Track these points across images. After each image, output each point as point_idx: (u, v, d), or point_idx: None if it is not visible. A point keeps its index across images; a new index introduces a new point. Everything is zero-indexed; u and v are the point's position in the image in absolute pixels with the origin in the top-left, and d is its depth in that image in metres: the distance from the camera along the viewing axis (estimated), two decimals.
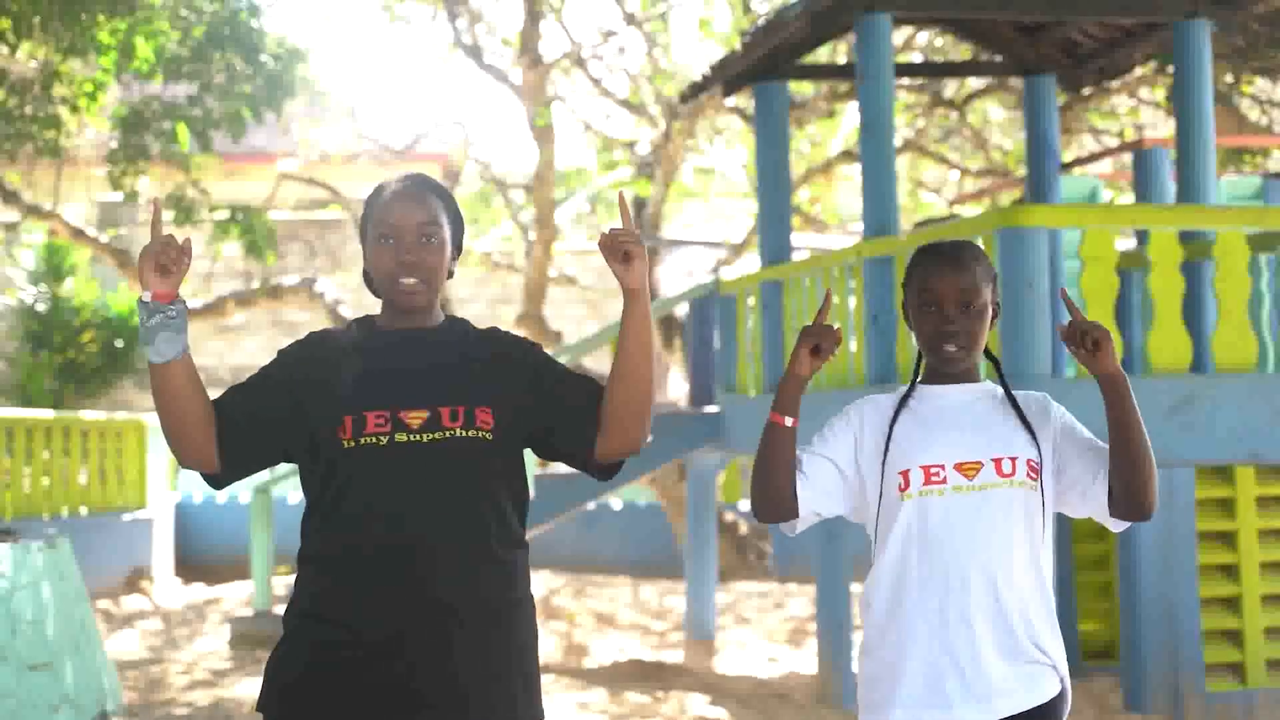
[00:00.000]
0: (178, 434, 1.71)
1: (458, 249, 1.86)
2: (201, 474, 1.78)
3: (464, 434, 1.73)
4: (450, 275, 1.85)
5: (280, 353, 1.85)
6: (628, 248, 1.71)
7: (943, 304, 1.82)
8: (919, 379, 1.89)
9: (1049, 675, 1.81)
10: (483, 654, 1.72)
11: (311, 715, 1.71)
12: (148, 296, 1.64)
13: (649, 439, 1.79)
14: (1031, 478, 1.82)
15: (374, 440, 1.71)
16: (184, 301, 1.68)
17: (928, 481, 1.81)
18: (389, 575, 1.70)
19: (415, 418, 1.72)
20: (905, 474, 1.82)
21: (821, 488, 1.84)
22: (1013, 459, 1.81)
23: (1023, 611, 1.80)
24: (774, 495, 1.81)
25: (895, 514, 1.82)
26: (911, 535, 1.81)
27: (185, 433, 1.71)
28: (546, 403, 1.79)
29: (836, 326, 1.84)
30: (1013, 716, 1.79)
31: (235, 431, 1.74)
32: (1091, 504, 1.84)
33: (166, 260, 1.63)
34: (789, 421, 1.80)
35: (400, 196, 1.80)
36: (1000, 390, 1.89)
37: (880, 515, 1.85)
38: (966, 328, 1.83)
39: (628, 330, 1.75)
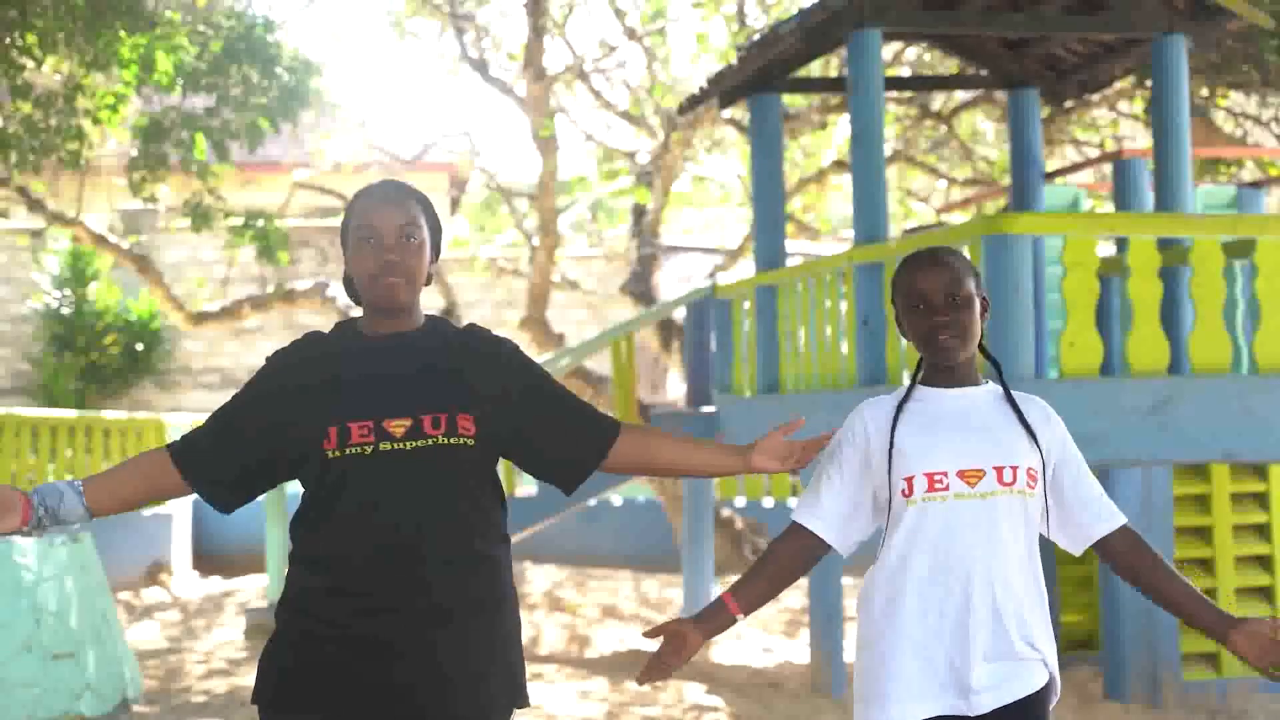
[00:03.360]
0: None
1: (436, 253, 1.86)
2: (209, 502, 1.84)
3: (446, 441, 1.74)
4: (429, 280, 1.86)
5: (266, 361, 1.87)
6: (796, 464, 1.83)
7: (929, 300, 1.85)
8: (917, 380, 1.90)
9: (1037, 668, 1.85)
10: (467, 649, 1.74)
11: (300, 707, 1.74)
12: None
13: None
14: (1030, 485, 1.84)
15: (359, 450, 1.73)
16: (42, 509, 1.73)
17: (931, 488, 1.82)
18: (376, 578, 1.72)
19: (398, 426, 1.73)
20: (910, 480, 1.83)
21: (854, 527, 1.90)
22: (1014, 467, 1.84)
23: (1018, 612, 1.83)
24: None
25: (899, 517, 1.85)
26: (913, 539, 1.84)
27: (152, 500, 1.85)
28: (540, 428, 1.82)
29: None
30: (1002, 708, 1.83)
31: (216, 467, 1.79)
32: (1058, 536, 1.91)
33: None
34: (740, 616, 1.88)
35: (380, 200, 1.80)
36: (1000, 392, 1.90)
37: (890, 518, 1.87)
38: (956, 318, 1.84)
39: (718, 469, 1.87)
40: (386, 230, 1.78)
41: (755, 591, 1.90)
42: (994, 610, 1.83)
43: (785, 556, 1.91)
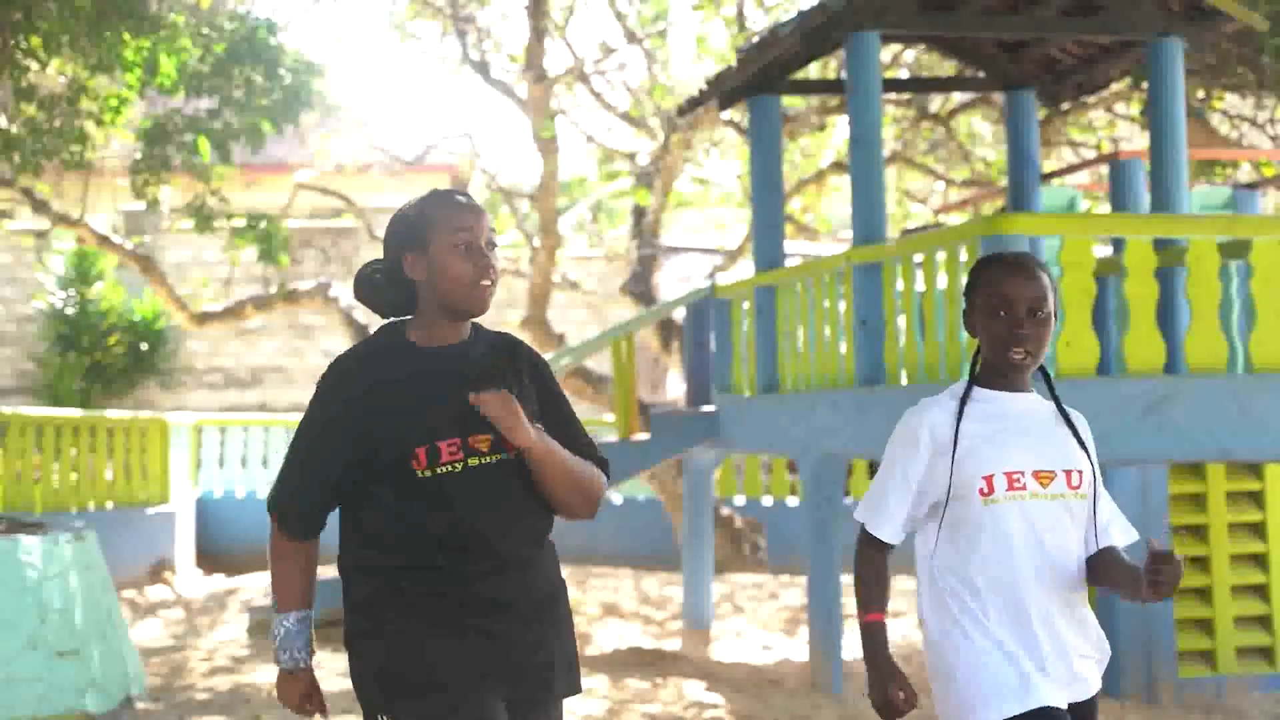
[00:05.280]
0: None
1: None
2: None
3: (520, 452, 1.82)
4: None
5: (322, 395, 1.86)
6: (495, 420, 1.78)
7: (1015, 309, 1.85)
8: (974, 380, 1.92)
9: (1095, 669, 1.91)
10: (557, 634, 1.87)
11: (428, 688, 1.77)
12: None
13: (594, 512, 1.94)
14: (1088, 490, 1.89)
15: (450, 468, 1.79)
16: (305, 654, 1.89)
17: (1011, 487, 1.84)
18: (489, 578, 1.80)
19: (483, 441, 1.81)
20: (989, 479, 1.84)
21: (906, 510, 1.92)
22: (1079, 472, 1.88)
23: (1084, 612, 1.88)
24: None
25: (975, 516, 1.86)
26: (995, 537, 1.85)
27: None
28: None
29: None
30: (1076, 705, 1.87)
31: (319, 508, 1.86)
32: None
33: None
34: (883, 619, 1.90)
35: (467, 209, 1.85)
36: (1048, 400, 1.93)
37: (950, 515, 1.88)
38: (1035, 334, 1.85)
39: (535, 475, 1.83)
40: (479, 238, 1.84)
41: (887, 597, 1.95)
42: (1073, 610, 1.86)
43: (885, 568, 1.95)
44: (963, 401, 1.89)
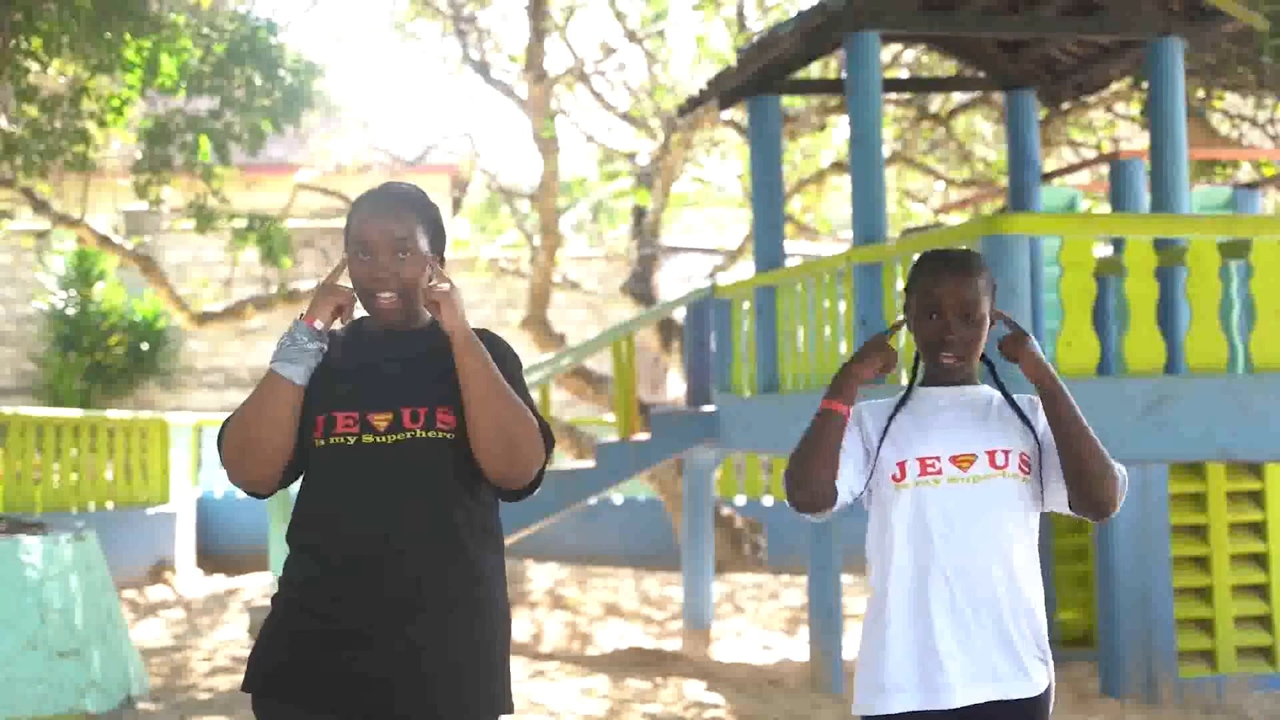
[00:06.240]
0: (256, 456, 1.75)
1: (439, 256, 1.84)
2: (246, 489, 1.80)
3: (424, 435, 1.73)
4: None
5: None
6: (432, 298, 1.73)
7: (944, 313, 1.83)
8: (917, 382, 1.90)
9: (1039, 668, 1.81)
10: (443, 645, 1.72)
11: (281, 694, 1.73)
12: (318, 324, 1.74)
13: (539, 464, 1.75)
14: (1024, 470, 1.82)
15: (342, 440, 1.74)
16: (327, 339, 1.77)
17: (923, 472, 1.81)
18: (355, 568, 1.72)
19: (381, 419, 1.74)
20: (902, 465, 1.82)
21: (853, 465, 1.85)
22: (1005, 451, 1.82)
23: (1023, 603, 1.81)
24: (817, 484, 1.82)
25: (892, 503, 1.83)
26: (906, 524, 1.82)
27: (263, 456, 1.75)
28: None
29: (896, 349, 1.86)
30: (1000, 703, 1.78)
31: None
32: (1053, 500, 1.85)
33: (345, 306, 1.76)
34: (845, 410, 1.81)
35: (375, 211, 1.78)
36: (996, 395, 1.89)
37: (876, 504, 1.87)
38: (965, 337, 1.83)
39: (459, 370, 1.72)
40: (381, 245, 1.77)
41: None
42: (992, 599, 1.80)
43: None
44: (902, 399, 1.88)
